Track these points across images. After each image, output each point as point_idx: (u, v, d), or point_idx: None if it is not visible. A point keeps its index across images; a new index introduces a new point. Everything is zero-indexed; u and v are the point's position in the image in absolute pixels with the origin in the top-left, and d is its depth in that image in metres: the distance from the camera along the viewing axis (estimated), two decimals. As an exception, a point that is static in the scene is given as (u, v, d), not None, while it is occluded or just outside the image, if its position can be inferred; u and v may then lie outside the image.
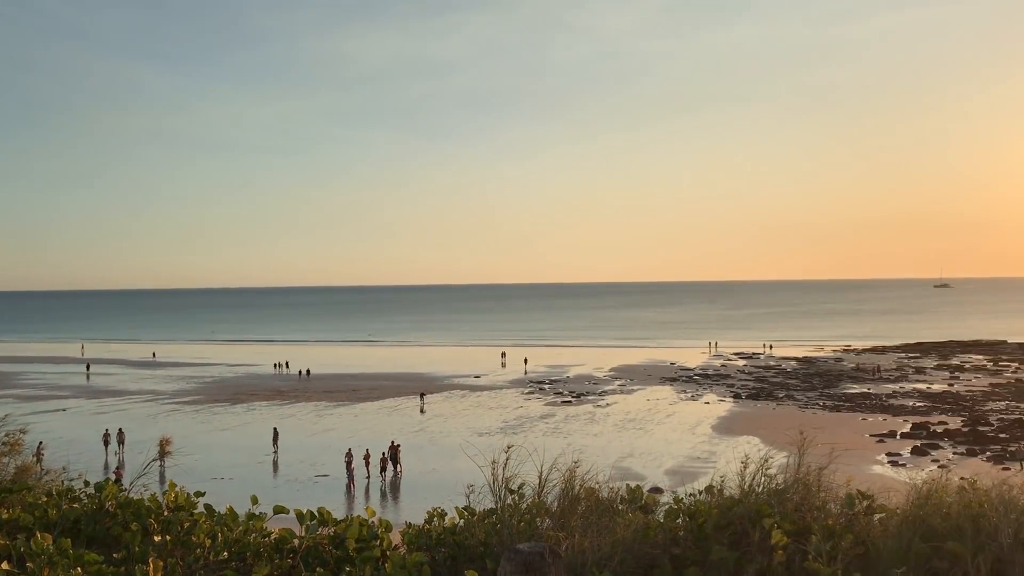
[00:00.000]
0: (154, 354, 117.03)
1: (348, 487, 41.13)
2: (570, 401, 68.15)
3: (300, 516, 5.69)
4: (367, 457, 43.87)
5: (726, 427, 55.45)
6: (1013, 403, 63.42)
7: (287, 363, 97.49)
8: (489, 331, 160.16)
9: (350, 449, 43.52)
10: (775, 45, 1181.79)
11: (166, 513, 5.78)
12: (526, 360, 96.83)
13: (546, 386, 77.57)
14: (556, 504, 6.10)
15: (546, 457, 6.68)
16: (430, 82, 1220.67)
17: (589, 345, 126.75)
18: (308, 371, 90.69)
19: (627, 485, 6.50)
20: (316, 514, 5.82)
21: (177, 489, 5.84)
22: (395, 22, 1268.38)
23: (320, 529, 5.78)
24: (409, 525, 6.34)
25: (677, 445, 49.93)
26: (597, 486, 6.32)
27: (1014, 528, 4.89)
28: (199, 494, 5.95)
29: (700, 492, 6.26)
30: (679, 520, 5.95)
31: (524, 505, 6.05)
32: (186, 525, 5.61)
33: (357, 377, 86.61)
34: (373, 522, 5.98)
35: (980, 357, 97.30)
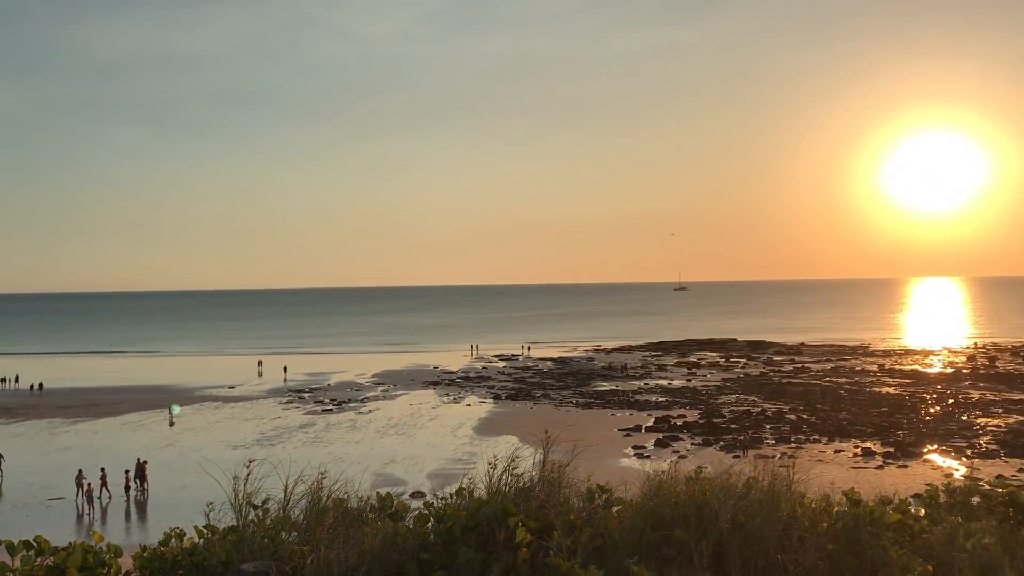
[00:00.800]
0: None
1: (83, 510, 38.03)
2: (331, 409, 67.01)
3: (11, 547, 5.15)
4: (103, 476, 40.79)
5: (486, 428, 56.71)
6: (742, 396, 69.43)
7: (16, 377, 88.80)
8: (246, 339, 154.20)
9: (81, 470, 40.16)
10: (529, 58, 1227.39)
11: None
12: (285, 368, 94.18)
13: (306, 395, 75.83)
14: (303, 517, 5.95)
15: (304, 467, 6.49)
16: (180, 77, 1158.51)
17: (352, 351, 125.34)
18: (41, 385, 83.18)
19: (377, 493, 6.44)
20: (32, 543, 5.29)
21: None
22: (138, 11, 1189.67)
23: (37, 559, 5.26)
24: (144, 548, 5.94)
25: (439, 448, 50.42)
26: (346, 496, 6.23)
27: (732, 513, 5.31)
28: None
29: (451, 495, 6.33)
30: (429, 525, 5.98)
31: (269, 520, 5.85)
32: None
33: (97, 391, 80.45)
34: (101, 547, 5.54)
35: (714, 354, 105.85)
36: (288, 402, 71.60)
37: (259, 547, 5.58)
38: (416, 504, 6.46)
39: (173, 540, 5.93)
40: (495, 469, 6.12)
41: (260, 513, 5.90)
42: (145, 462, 42.42)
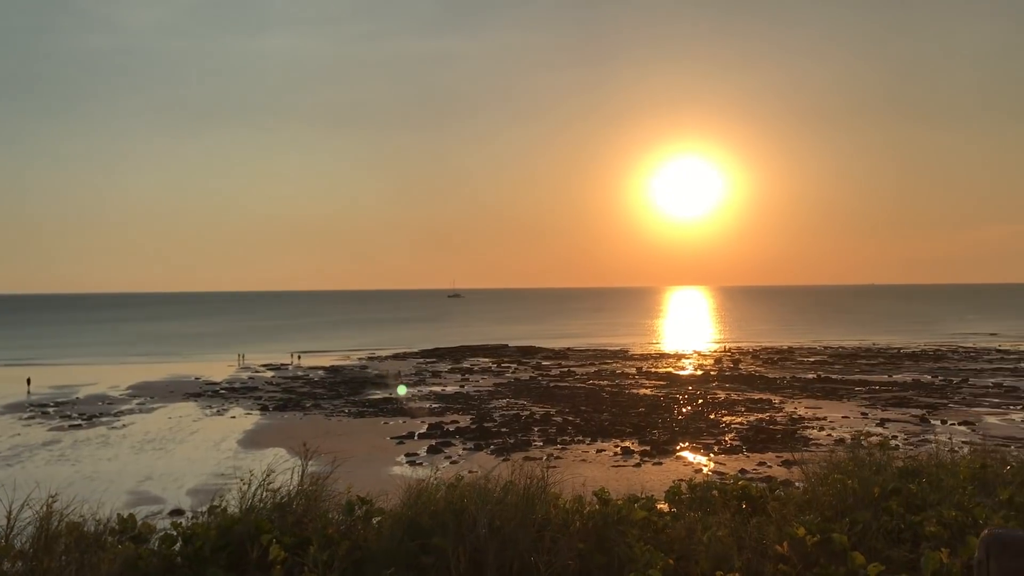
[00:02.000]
0: None
1: None
2: (80, 424, 62.08)
3: None
4: None
5: (253, 440, 54.67)
6: (512, 400, 71.23)
7: None
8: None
9: None
10: (304, 59, 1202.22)
11: None
12: (29, 380, 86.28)
13: (51, 409, 69.78)
14: (30, 545, 5.42)
15: (33, 490, 5.92)
16: None
17: (103, 362, 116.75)
18: None
19: (119, 515, 5.98)
20: None
21: None
22: None
23: None
24: None
25: (201, 463, 48.02)
26: (83, 519, 5.75)
27: (488, 518, 5.37)
28: None
29: (202, 514, 6.01)
30: (176, 546, 5.63)
31: (-12, 551, 5.27)
32: None
33: None
34: None
35: (486, 360, 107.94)
36: (30, 417, 65.61)
37: (-25, 582, 5.02)
38: (164, 524, 6.07)
39: None
40: (249, 485, 5.86)
41: (-23, 544, 5.31)
42: None
